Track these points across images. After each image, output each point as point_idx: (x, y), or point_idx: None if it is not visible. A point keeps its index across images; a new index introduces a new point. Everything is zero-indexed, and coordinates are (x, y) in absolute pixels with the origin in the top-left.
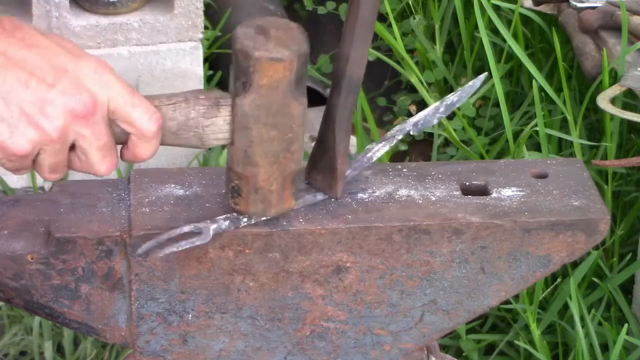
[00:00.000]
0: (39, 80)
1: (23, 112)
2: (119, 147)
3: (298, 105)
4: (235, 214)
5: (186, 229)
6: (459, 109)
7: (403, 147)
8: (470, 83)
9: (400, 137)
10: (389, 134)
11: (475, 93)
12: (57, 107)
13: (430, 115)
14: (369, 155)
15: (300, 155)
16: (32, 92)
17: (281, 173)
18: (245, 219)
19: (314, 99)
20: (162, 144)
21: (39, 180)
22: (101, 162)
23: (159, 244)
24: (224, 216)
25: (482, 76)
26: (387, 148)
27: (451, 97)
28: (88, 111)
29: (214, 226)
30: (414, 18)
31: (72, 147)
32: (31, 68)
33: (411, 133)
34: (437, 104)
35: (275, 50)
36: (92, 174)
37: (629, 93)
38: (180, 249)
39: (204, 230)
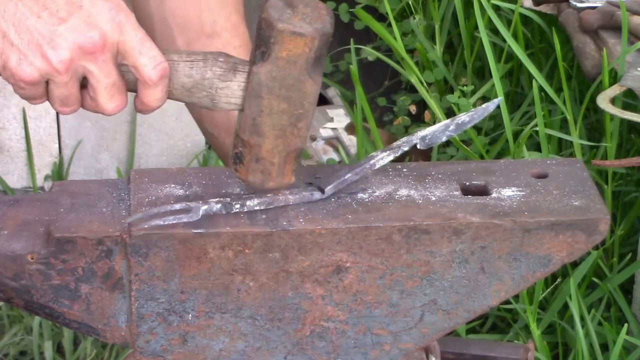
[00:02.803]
0: (51, 12)
1: (32, 41)
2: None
3: (313, 83)
4: (228, 199)
5: (177, 206)
6: (459, 109)
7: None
8: (484, 106)
9: (406, 148)
10: (395, 144)
11: (484, 115)
12: (65, 41)
13: (439, 131)
14: (372, 162)
15: (306, 133)
16: (43, 23)
17: (285, 147)
18: (237, 205)
19: None
20: (175, 99)
21: (39, 180)
22: (108, 101)
23: (147, 217)
24: (217, 199)
25: (497, 100)
26: (391, 157)
27: (462, 117)
28: (96, 49)
29: (204, 207)
30: (414, 18)
31: (86, 86)
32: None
33: (418, 147)
34: (448, 121)
35: (299, 25)
36: (101, 113)
37: (629, 93)
38: (165, 222)
39: (194, 209)
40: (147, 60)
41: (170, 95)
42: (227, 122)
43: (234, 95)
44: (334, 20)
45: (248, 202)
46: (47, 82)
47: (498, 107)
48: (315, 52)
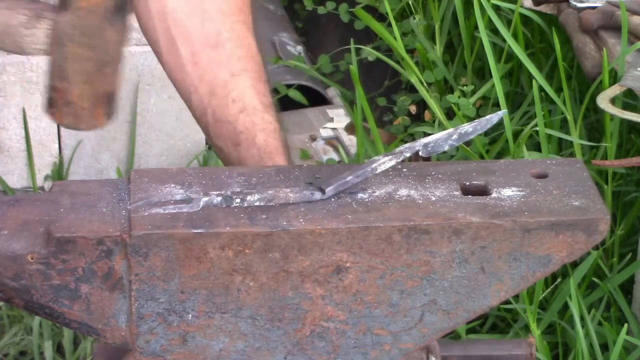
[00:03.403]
0: None
1: None
2: None
3: (114, 31)
4: (228, 193)
5: (178, 197)
6: (458, 108)
7: None
8: (487, 117)
9: (408, 154)
10: (397, 150)
11: (490, 127)
12: None
13: (442, 140)
14: (373, 165)
15: (114, 78)
16: None
17: (94, 93)
18: (238, 200)
19: (314, 99)
20: None
21: (39, 180)
22: None
23: (148, 205)
24: (217, 192)
25: (501, 112)
26: (393, 163)
27: (466, 127)
28: None
29: (205, 199)
30: (414, 18)
31: None
32: None
33: (420, 154)
34: (451, 130)
35: None
36: None
37: (629, 93)
38: (166, 211)
39: (195, 200)
40: None
41: None
42: (233, 133)
43: (39, 42)
44: None
45: (249, 197)
46: None
47: (498, 107)
48: (115, 1)
